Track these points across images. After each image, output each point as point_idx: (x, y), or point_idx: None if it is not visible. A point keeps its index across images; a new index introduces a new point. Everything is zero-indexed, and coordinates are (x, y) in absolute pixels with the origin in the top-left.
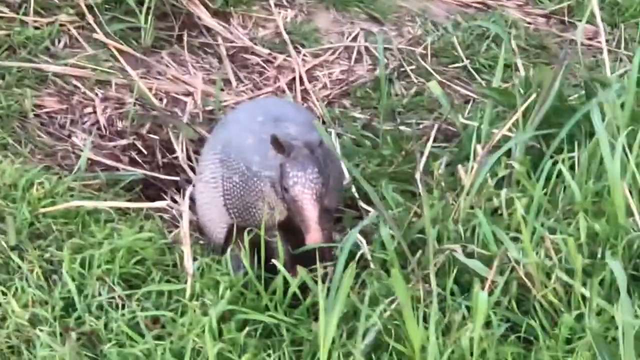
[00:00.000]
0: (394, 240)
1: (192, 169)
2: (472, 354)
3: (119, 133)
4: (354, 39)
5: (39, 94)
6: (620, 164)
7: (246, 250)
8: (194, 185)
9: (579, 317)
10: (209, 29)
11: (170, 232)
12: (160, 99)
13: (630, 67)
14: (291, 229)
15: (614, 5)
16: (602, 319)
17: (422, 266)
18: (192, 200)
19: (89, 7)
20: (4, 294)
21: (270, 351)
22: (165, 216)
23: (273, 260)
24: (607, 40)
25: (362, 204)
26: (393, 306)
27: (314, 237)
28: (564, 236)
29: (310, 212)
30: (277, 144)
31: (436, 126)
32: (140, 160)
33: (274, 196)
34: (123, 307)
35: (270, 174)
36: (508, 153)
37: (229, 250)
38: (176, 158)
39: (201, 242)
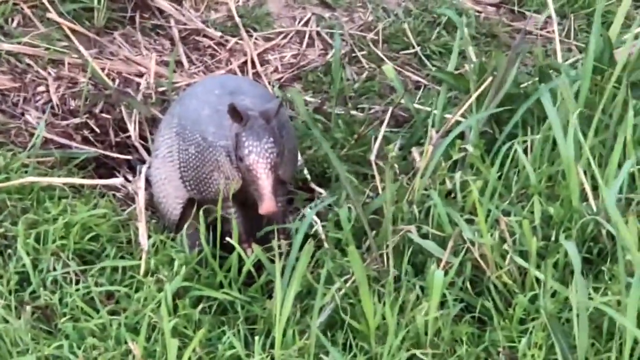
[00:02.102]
0: (350, 221)
1: (145, 148)
2: (426, 333)
3: (71, 112)
4: (306, 23)
5: None
6: (575, 148)
7: (201, 228)
8: (149, 167)
9: (533, 298)
10: (161, 11)
11: (123, 210)
12: (113, 80)
13: (580, 57)
14: (247, 203)
15: None
16: (556, 300)
17: (377, 246)
18: (147, 181)
19: None
20: None
21: (225, 327)
22: (118, 194)
23: (228, 239)
24: (557, 30)
25: (314, 185)
26: (348, 284)
27: (267, 206)
28: (518, 218)
29: (265, 181)
30: (235, 113)
31: (390, 110)
32: (93, 139)
33: (229, 166)
34: (78, 282)
35: (226, 144)
36: (461, 138)
37: (184, 227)
38: (129, 137)
39: (154, 220)
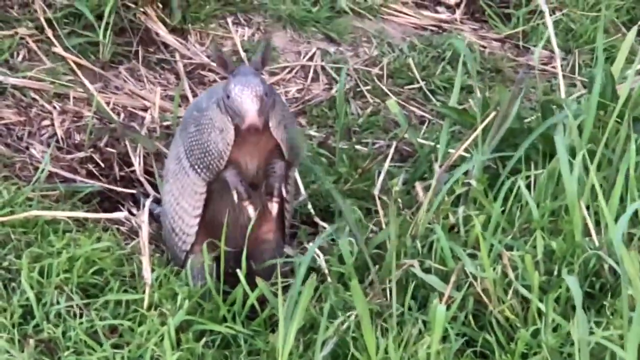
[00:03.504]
0: (353, 255)
1: (150, 182)
2: None
3: (76, 146)
4: (311, 58)
5: None
6: (578, 183)
7: (206, 260)
8: (154, 201)
9: (535, 333)
10: (166, 45)
11: (127, 244)
12: (118, 114)
13: (584, 92)
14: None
15: (568, 31)
16: (558, 335)
17: (380, 280)
18: (151, 215)
19: (48, 21)
20: None
21: None
22: (123, 228)
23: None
24: (561, 66)
25: (318, 220)
26: (351, 319)
27: (250, 119)
28: (520, 253)
29: (249, 104)
30: (221, 60)
31: (394, 145)
32: (97, 173)
33: (221, 117)
34: (81, 315)
35: (217, 98)
36: (465, 173)
37: (189, 260)
38: (133, 172)
39: (157, 254)
